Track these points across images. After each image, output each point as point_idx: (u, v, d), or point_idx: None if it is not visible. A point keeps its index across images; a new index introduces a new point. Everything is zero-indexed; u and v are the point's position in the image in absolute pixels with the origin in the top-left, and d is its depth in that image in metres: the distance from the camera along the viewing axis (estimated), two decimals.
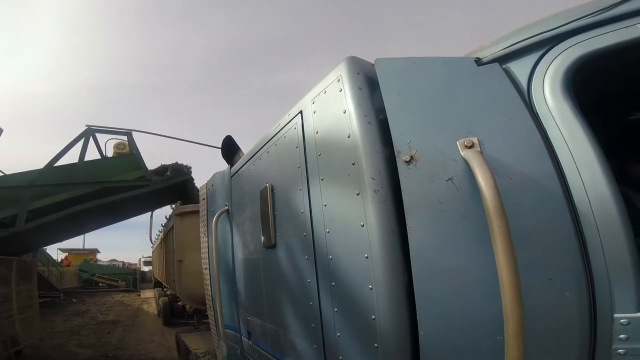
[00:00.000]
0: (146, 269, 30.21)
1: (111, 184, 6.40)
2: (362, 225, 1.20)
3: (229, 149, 3.14)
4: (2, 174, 7.01)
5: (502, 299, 0.88)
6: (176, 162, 6.97)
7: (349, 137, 1.29)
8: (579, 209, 1.00)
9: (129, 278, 28.47)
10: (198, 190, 7.79)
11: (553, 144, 1.09)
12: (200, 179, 7.73)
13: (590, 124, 1.09)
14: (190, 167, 7.07)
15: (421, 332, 1.09)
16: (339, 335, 1.37)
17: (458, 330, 1.06)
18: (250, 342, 2.38)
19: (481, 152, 1.07)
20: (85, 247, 33.21)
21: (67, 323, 11.79)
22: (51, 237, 9.33)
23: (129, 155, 6.60)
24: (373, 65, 1.39)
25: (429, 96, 1.26)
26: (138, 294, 22.94)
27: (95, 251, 35.89)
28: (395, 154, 1.19)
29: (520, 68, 1.23)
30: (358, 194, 1.23)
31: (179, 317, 10.50)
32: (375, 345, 1.16)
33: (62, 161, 6.36)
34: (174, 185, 7.00)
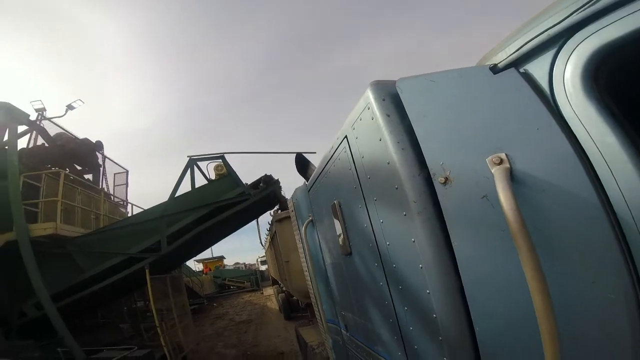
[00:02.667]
0: (263, 268, 32.50)
1: (221, 203, 7.52)
2: (413, 241, 1.33)
3: (302, 164, 3.45)
4: (143, 210, 8.87)
5: (535, 309, 0.95)
6: (265, 174, 7.86)
7: (388, 164, 1.38)
8: (619, 215, 0.95)
9: (252, 278, 30.65)
10: (284, 197, 8.47)
11: (585, 150, 1.01)
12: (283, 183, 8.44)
13: (633, 121, 1.00)
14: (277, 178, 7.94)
15: (476, 329, 1.20)
16: (411, 329, 1.53)
17: (505, 327, 1.14)
18: (348, 334, 2.62)
19: (510, 168, 1.07)
20: (213, 256, 35.43)
21: (213, 326, 13.19)
22: (187, 254, 11.27)
23: (227, 177, 7.69)
24: (395, 85, 1.40)
25: (451, 114, 1.25)
26: (261, 292, 24.85)
27: (222, 258, 38.14)
28: (432, 176, 1.24)
29: (538, 70, 1.13)
30: (405, 215, 1.34)
31: (296, 311, 11.49)
32: (440, 338, 1.30)
33: (180, 189, 7.78)
34: (268, 194, 7.89)
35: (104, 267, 7.32)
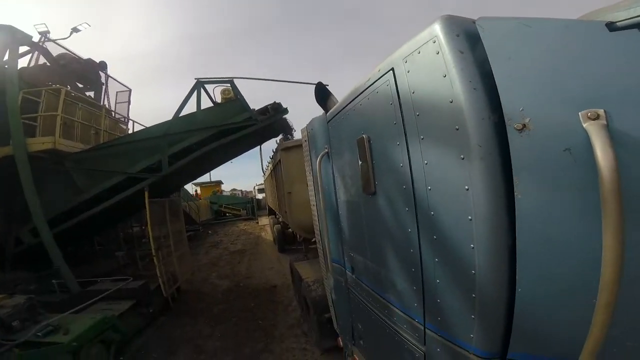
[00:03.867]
0: (260, 196, 31.59)
1: (227, 127, 7.27)
2: (467, 189, 1.23)
3: (322, 95, 3.21)
4: (144, 127, 8.60)
5: (601, 277, 0.89)
6: (274, 102, 7.48)
7: (451, 102, 1.25)
8: None
9: (248, 207, 29.44)
10: (291, 126, 8.19)
11: None
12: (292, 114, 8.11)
13: None
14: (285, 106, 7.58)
15: (518, 289, 1.16)
16: (438, 282, 1.50)
17: (552, 292, 1.10)
18: (354, 277, 2.64)
19: (607, 126, 0.96)
20: (211, 180, 34.08)
21: (207, 255, 13.03)
22: (188, 177, 11.20)
23: (235, 101, 7.30)
24: (473, 23, 1.26)
25: (547, 63, 1.14)
26: (256, 221, 24.13)
27: (219, 182, 36.43)
28: (506, 121, 1.13)
29: None
30: (463, 159, 1.23)
31: (291, 244, 11.53)
32: (473, 295, 1.27)
33: (184, 112, 7.46)
34: (275, 122, 7.61)
35: (103, 187, 7.20)
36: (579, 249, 1.05)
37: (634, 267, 0.94)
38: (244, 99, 7.29)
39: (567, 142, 1.03)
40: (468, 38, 1.26)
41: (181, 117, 7.32)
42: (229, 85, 7.40)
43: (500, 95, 1.15)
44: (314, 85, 3.46)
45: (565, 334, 1.12)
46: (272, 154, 9.56)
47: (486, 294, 1.23)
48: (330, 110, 2.87)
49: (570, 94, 1.08)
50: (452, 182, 1.30)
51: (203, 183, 33.60)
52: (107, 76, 11.45)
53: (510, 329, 1.21)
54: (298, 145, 5.95)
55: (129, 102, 12.74)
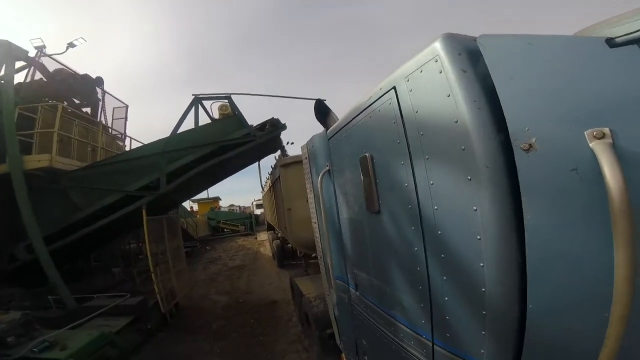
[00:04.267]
0: (258, 212, 31.57)
1: (225, 143, 7.29)
2: (475, 210, 1.23)
3: (321, 111, 3.24)
4: (142, 144, 8.62)
5: (614, 293, 0.90)
6: (272, 117, 7.56)
7: (456, 122, 1.26)
8: None
9: (246, 222, 29.35)
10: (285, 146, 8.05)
11: None
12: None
13: None
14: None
15: (530, 306, 1.15)
16: (446, 299, 1.48)
17: (564, 310, 1.10)
18: (357, 294, 2.60)
19: (613, 144, 0.97)
20: (209, 197, 34.06)
21: (206, 271, 12.97)
22: (186, 194, 11.15)
23: (233, 117, 7.36)
24: (474, 40, 1.27)
25: (549, 81, 1.15)
26: (255, 237, 23.92)
27: (217, 199, 36.48)
28: (512, 141, 1.14)
29: None
30: (470, 180, 1.23)
31: (290, 259, 11.48)
32: (483, 312, 1.26)
33: (182, 128, 7.49)
34: (273, 137, 7.67)
35: (101, 205, 7.17)
36: (589, 266, 1.05)
37: None
38: (242, 115, 7.35)
39: (574, 161, 1.05)
40: (470, 56, 1.27)
41: (179, 133, 7.35)
42: (226, 101, 7.47)
43: (505, 115, 1.16)
44: (314, 101, 3.49)
45: (577, 350, 1.12)
46: (271, 169, 9.59)
47: (497, 311, 1.22)
48: (331, 128, 2.88)
49: (574, 113, 1.09)
50: (459, 202, 1.30)
51: (201, 200, 33.48)
52: (104, 92, 11.52)
53: (522, 343, 1.20)
54: (297, 162, 5.96)
55: (125, 118, 12.78)
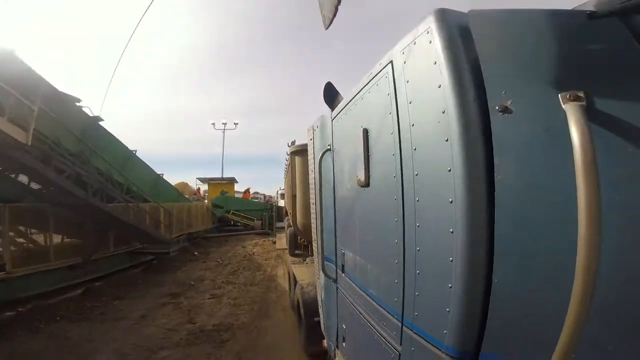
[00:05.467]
0: (282, 203, 21.43)
1: None
2: (449, 170, 1.24)
3: (330, 94, 3.25)
4: None
5: (577, 257, 0.87)
6: None
7: (439, 87, 1.29)
8: None
9: (264, 215, 23.63)
10: None
11: None
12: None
13: None
14: None
15: (495, 280, 1.14)
16: (418, 273, 1.48)
17: (532, 280, 1.08)
18: (343, 275, 2.62)
19: (586, 107, 0.98)
20: (223, 176, 29.23)
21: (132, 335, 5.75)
22: None
23: None
24: (465, 15, 1.33)
25: (529, 49, 1.21)
26: (273, 240, 17.29)
27: (232, 180, 29.52)
28: (488, 103, 1.17)
29: None
30: (447, 140, 1.25)
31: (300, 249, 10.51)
32: (449, 285, 1.24)
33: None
34: None
35: None
36: (559, 232, 1.04)
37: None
38: None
39: (547, 123, 1.06)
40: (459, 28, 1.31)
41: None
42: None
43: (484, 78, 1.19)
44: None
45: (540, 333, 1.09)
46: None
47: (461, 285, 1.20)
48: (335, 108, 2.90)
49: (551, 78, 1.11)
50: (436, 165, 1.32)
51: (212, 179, 28.68)
52: None
53: (485, 326, 1.18)
54: (306, 149, 5.94)
55: None
